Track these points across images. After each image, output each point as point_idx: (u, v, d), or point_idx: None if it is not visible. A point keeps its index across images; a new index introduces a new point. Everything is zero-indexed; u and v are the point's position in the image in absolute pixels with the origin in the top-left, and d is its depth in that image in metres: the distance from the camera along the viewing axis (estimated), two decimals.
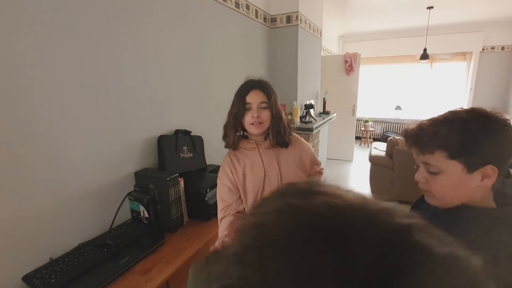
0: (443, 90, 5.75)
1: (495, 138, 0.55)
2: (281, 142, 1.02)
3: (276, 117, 1.00)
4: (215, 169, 1.62)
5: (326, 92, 3.67)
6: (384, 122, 6.26)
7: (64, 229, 1.02)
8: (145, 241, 1.12)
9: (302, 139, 1.13)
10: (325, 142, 3.71)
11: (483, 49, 5.16)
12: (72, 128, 1.01)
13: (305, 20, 2.67)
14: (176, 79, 1.46)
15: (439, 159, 0.58)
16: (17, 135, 0.86)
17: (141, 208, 1.18)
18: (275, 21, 2.54)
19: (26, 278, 0.89)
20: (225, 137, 1.06)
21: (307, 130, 2.53)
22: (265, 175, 1.01)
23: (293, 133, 1.10)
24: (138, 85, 1.24)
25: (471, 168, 0.56)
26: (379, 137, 6.21)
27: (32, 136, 0.90)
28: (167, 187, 1.14)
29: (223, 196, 1.02)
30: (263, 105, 0.99)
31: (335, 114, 3.51)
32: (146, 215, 1.18)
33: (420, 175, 0.63)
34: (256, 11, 2.27)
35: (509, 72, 5.05)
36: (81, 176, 1.06)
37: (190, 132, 1.48)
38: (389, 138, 3.22)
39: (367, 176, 3.42)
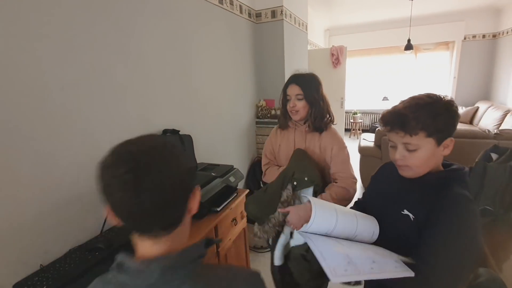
0: (428, 79, 5.87)
1: (452, 116, 0.69)
2: (316, 127, 1.22)
3: (313, 106, 1.20)
4: (206, 167, 1.62)
5: None
6: (372, 114, 6.36)
7: (53, 235, 1.01)
8: None
9: (339, 135, 1.26)
10: None
11: (465, 38, 5.28)
12: (56, 131, 0.99)
13: (290, 15, 2.66)
14: (161, 77, 1.45)
15: (419, 138, 0.68)
16: None
17: None
18: (260, 16, 2.53)
19: (17, 287, 0.87)
20: (278, 119, 1.37)
21: None
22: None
23: (332, 127, 1.27)
24: (122, 84, 1.22)
25: (439, 141, 0.69)
26: (368, 129, 6.31)
27: (15, 142, 0.88)
28: None
29: (267, 153, 1.39)
30: (299, 96, 1.19)
31: None
32: None
33: (399, 154, 0.72)
34: (241, 6, 2.26)
35: (490, 60, 5.19)
36: (68, 180, 1.04)
37: (179, 131, 1.47)
38: (377, 129, 3.29)
39: (357, 167, 3.48)
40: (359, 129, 6.06)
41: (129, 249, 1.04)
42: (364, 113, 6.37)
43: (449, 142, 0.70)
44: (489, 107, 4.57)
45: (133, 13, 1.26)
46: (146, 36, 1.34)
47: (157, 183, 0.43)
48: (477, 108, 4.92)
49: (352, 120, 6.04)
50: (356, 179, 1.20)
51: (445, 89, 5.69)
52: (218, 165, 1.64)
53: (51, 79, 0.97)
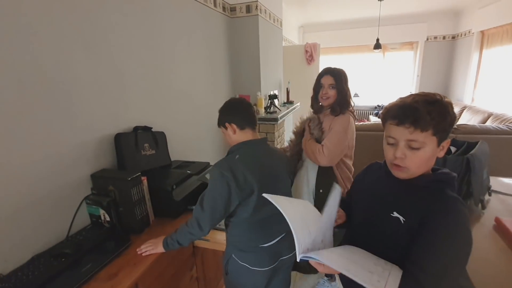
0: (395, 77, 6.20)
1: (454, 118, 0.67)
2: (335, 111, 1.47)
3: (340, 95, 1.46)
4: (181, 164, 1.58)
5: (289, 82, 3.74)
6: None
7: (13, 241, 0.93)
8: (109, 245, 1.06)
9: (347, 120, 1.46)
10: (290, 132, 3.80)
11: (427, 39, 5.63)
12: (9, 129, 0.90)
13: (265, 10, 2.66)
14: (131, 72, 1.37)
15: (426, 136, 0.65)
16: None
17: (101, 212, 1.12)
18: (235, 10, 2.49)
19: None
20: (311, 105, 1.66)
21: (272, 120, 2.57)
22: None
23: (345, 115, 1.47)
24: (87, 79, 1.14)
25: (440, 142, 0.67)
26: None
27: None
28: (128, 187, 1.09)
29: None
30: (331, 86, 1.46)
31: (298, 104, 3.59)
32: (108, 218, 1.12)
33: (401, 152, 0.67)
34: (215, 0, 2.21)
35: (449, 59, 5.60)
36: (26, 182, 0.96)
37: (151, 128, 1.41)
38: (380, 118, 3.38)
39: None
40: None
41: (98, 253, 0.99)
42: None
43: (446, 144, 0.68)
44: None
45: (97, 3, 1.18)
46: (114, 28, 1.26)
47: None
48: None
49: None
50: (328, 155, 1.41)
51: (410, 87, 6.05)
52: (193, 162, 1.61)
53: (6, 72, 0.88)
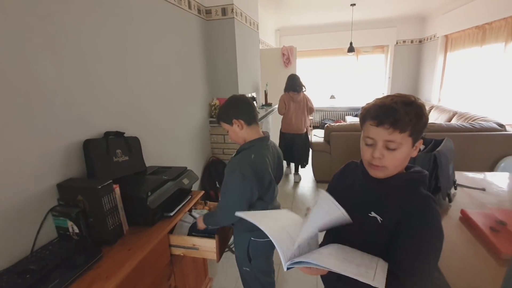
0: (368, 79, 6.46)
1: (427, 119, 0.69)
2: None
3: None
4: (157, 170, 1.53)
5: (266, 85, 3.76)
6: (322, 111, 6.75)
7: None
8: (78, 259, 1.00)
9: None
10: (269, 133, 3.82)
11: (397, 43, 5.93)
12: None
13: (241, 13, 2.66)
14: (100, 75, 1.31)
15: (403, 137, 0.66)
16: None
17: (69, 224, 1.05)
18: (210, 13, 2.47)
19: None
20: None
21: None
22: None
23: None
24: (52, 82, 1.07)
25: (414, 142, 0.69)
26: (318, 125, 6.68)
27: None
28: (99, 197, 1.03)
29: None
30: None
31: (276, 106, 3.63)
32: (77, 231, 1.05)
33: (379, 152, 0.69)
34: (189, 2, 2.17)
35: (417, 62, 5.93)
36: None
37: (123, 133, 1.35)
38: (325, 125, 3.49)
39: (310, 162, 3.66)
40: (310, 126, 6.37)
41: (66, 267, 0.93)
42: (315, 110, 6.72)
43: (418, 144, 0.70)
44: None
45: (63, 2, 1.11)
46: (81, 29, 1.20)
47: None
48: None
49: None
50: None
51: (383, 88, 6.32)
52: (170, 167, 1.57)
53: None
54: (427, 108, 4.32)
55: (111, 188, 1.09)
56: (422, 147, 1.49)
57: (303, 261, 0.63)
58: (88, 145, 1.16)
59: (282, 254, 0.63)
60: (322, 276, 0.89)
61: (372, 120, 0.69)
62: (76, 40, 1.17)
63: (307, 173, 3.92)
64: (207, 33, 2.50)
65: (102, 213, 1.05)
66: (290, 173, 3.90)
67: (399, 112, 0.65)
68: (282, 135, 3.57)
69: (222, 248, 1.34)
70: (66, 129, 1.13)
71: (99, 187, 1.03)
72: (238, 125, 1.14)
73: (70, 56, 1.15)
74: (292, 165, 3.83)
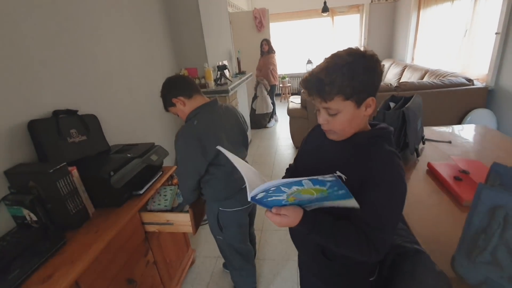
0: (344, 41, 6.33)
1: (373, 74, 0.65)
2: None
3: None
4: (122, 148, 1.44)
5: (239, 52, 3.59)
6: (299, 77, 6.64)
7: None
8: (40, 247, 0.94)
9: None
10: (245, 102, 3.73)
11: (372, 1, 5.76)
12: None
13: None
14: (40, 47, 1.15)
15: (337, 103, 0.65)
16: None
17: (25, 212, 0.97)
18: None
19: None
20: None
21: (222, 92, 2.46)
22: None
23: None
24: None
25: (359, 103, 0.66)
26: (296, 92, 6.61)
27: None
28: (52, 181, 0.95)
29: None
30: None
31: (251, 74, 3.50)
32: (35, 218, 0.98)
33: (322, 118, 0.70)
34: None
35: (392, 21, 5.84)
36: None
37: (76, 111, 1.23)
38: (302, 91, 3.44)
39: (288, 129, 3.65)
40: (288, 93, 6.30)
41: (27, 256, 0.88)
42: (292, 76, 6.61)
43: (371, 102, 0.67)
44: (392, 64, 5.23)
45: None
46: None
47: None
48: (383, 65, 5.59)
49: (281, 85, 6.22)
50: None
51: None
52: (136, 144, 1.48)
53: None
54: (400, 68, 4.30)
55: (66, 170, 1.00)
56: (392, 105, 1.49)
57: (269, 197, 0.62)
58: (34, 126, 1.05)
59: (248, 184, 0.62)
60: (291, 232, 0.90)
61: (305, 91, 0.70)
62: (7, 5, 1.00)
63: (286, 140, 3.94)
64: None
65: (59, 198, 0.98)
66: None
67: (322, 81, 0.64)
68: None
69: (198, 221, 1.32)
70: (2, 111, 1.00)
71: (51, 171, 0.94)
72: (180, 103, 1.17)
73: (4, 20, 0.98)
74: None
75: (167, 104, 1.21)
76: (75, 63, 1.34)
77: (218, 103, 1.24)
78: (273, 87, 4.53)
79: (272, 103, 4.59)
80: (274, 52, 4.32)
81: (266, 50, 4.25)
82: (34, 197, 0.96)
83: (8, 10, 1.03)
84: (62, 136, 1.13)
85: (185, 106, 1.17)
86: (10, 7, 1.04)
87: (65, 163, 1.00)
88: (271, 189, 0.60)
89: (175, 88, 1.17)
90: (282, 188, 0.60)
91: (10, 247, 0.93)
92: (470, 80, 2.96)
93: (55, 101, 1.21)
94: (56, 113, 1.14)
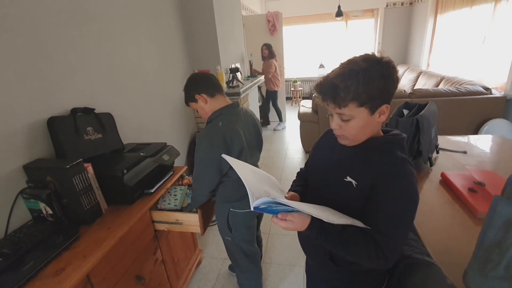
0: (357, 46, 6.27)
1: (389, 81, 0.65)
2: None
3: None
4: (135, 147, 1.47)
5: (251, 55, 3.61)
6: (311, 81, 6.62)
7: None
8: (54, 240, 0.97)
9: None
10: (256, 105, 3.74)
11: (387, 5, 5.69)
12: None
13: None
14: (62, 48, 1.20)
15: (351, 109, 0.65)
16: None
17: (42, 205, 1.01)
18: None
19: None
20: None
21: (234, 95, 2.48)
22: None
23: None
24: (2, 56, 0.97)
25: (373, 109, 0.66)
26: (307, 96, 6.59)
27: None
28: (69, 177, 0.98)
29: None
30: None
31: (263, 77, 3.51)
32: (50, 212, 1.02)
33: (335, 123, 0.70)
34: None
35: (407, 26, 5.75)
36: None
37: (94, 109, 1.27)
38: (313, 95, 3.41)
39: (298, 133, 3.64)
40: (299, 97, 6.28)
41: (41, 249, 0.91)
42: (304, 80, 6.59)
43: (385, 109, 0.67)
44: (406, 69, 5.14)
45: None
46: None
47: None
48: (397, 71, 5.51)
49: (292, 88, 6.21)
50: None
51: None
52: (149, 144, 1.51)
53: None
54: (415, 74, 4.23)
55: (82, 167, 1.03)
56: (406, 112, 1.47)
57: (273, 206, 0.62)
58: (53, 123, 1.09)
59: (251, 194, 0.61)
60: (299, 236, 0.90)
61: (318, 96, 0.69)
62: (31, 6, 1.04)
63: (295, 144, 3.92)
64: (182, 2, 2.30)
65: (75, 193, 1.01)
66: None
67: (337, 87, 0.63)
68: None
69: (206, 221, 1.34)
70: (25, 107, 1.04)
71: (68, 166, 0.98)
72: (202, 100, 1.18)
73: (26, 26, 1.03)
74: None
75: (189, 99, 1.21)
76: (95, 63, 1.38)
77: (239, 106, 1.25)
78: (274, 93, 4.47)
79: (276, 109, 4.63)
80: (275, 57, 4.22)
81: (266, 55, 4.13)
82: (51, 191, 1.00)
83: (37, 14, 1.08)
84: (79, 134, 1.17)
85: (206, 104, 1.18)
86: (41, 13, 1.09)
87: (81, 160, 1.03)
88: (273, 205, 0.62)
89: (199, 84, 1.18)
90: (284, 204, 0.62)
91: (26, 239, 0.96)
92: (487, 89, 2.88)
93: (73, 99, 1.25)
94: (74, 111, 1.18)
